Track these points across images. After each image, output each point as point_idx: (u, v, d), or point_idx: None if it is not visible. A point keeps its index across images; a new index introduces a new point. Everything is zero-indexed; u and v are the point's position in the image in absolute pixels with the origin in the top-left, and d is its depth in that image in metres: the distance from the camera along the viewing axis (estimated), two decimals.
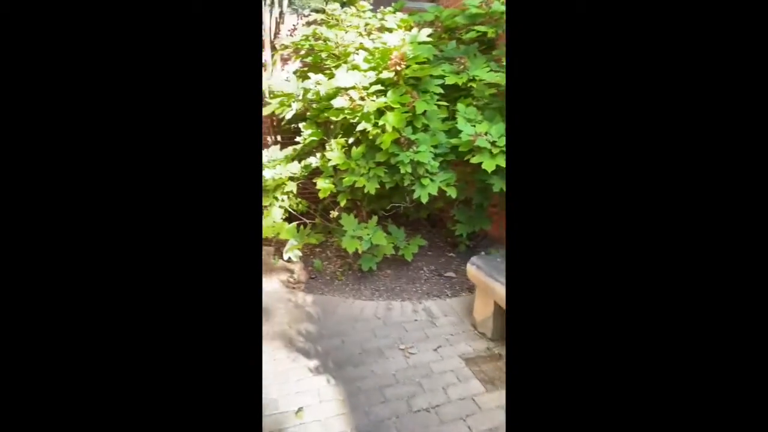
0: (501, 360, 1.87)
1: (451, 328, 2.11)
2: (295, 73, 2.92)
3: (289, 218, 2.78)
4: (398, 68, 2.18)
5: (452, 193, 2.30)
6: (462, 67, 2.43)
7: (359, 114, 2.26)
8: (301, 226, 2.76)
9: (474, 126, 2.21)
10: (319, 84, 2.45)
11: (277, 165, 2.66)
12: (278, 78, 2.73)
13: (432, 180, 2.30)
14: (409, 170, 2.25)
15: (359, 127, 2.27)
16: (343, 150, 2.49)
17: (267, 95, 2.98)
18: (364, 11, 2.74)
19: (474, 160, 2.15)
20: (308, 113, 2.72)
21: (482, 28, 2.59)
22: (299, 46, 2.78)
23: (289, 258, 2.74)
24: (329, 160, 2.45)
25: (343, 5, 2.76)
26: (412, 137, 2.27)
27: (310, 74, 2.54)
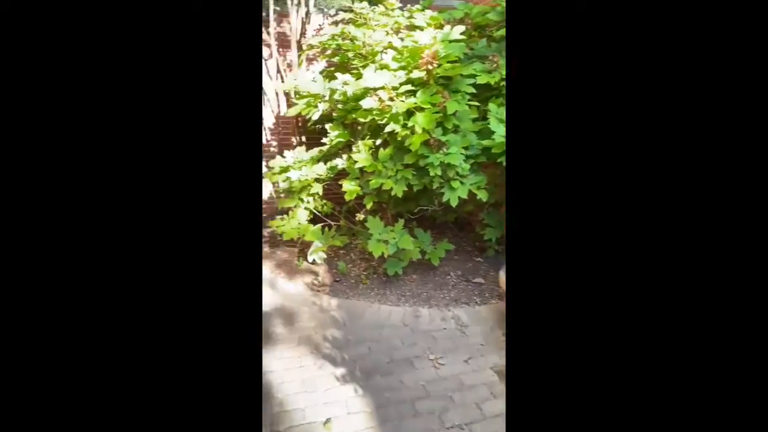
0: None
1: (481, 338, 2.02)
2: (321, 73, 2.89)
3: (314, 220, 2.75)
4: (429, 67, 2.11)
5: (483, 196, 2.21)
6: (494, 65, 2.33)
7: (388, 115, 2.20)
8: (326, 228, 2.72)
9: None
10: (346, 84, 2.41)
11: (303, 166, 2.63)
12: (304, 78, 2.70)
13: (462, 183, 2.22)
14: (439, 173, 2.17)
15: (387, 129, 2.21)
16: (371, 152, 2.43)
17: (293, 96, 2.96)
18: (392, 9, 2.68)
19: None
20: (334, 114, 2.68)
21: None
22: (326, 46, 2.74)
23: (314, 260, 2.71)
24: (356, 161, 2.40)
25: (371, 3, 2.70)
26: (443, 138, 2.19)
27: (337, 74, 2.50)
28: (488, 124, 2.17)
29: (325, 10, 3.36)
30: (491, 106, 2.24)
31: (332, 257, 2.85)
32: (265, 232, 3.26)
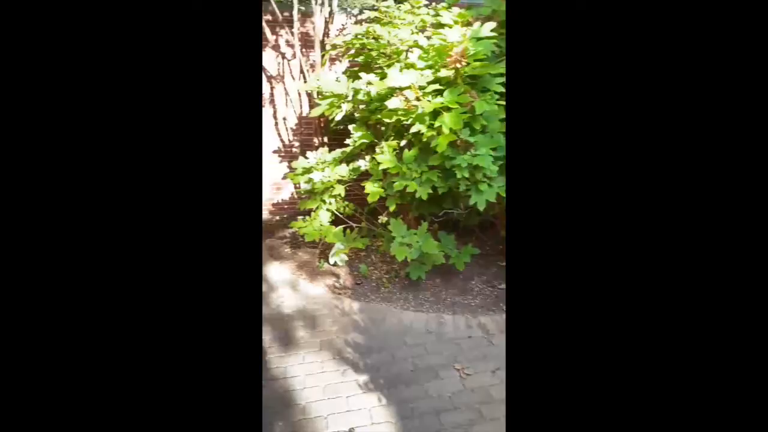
0: None
1: None
2: (344, 73, 2.86)
3: (335, 221, 2.72)
4: (458, 65, 2.04)
5: None
6: None
7: (413, 115, 2.14)
8: (347, 230, 2.69)
9: None
10: (370, 84, 2.36)
11: (325, 167, 2.60)
12: (327, 78, 2.67)
13: (490, 185, 2.14)
14: (466, 175, 2.10)
15: (413, 129, 2.15)
16: (394, 153, 2.38)
17: (315, 96, 2.94)
18: (418, 7, 2.62)
19: None
20: (356, 114, 2.64)
21: None
22: (350, 45, 2.71)
23: (335, 262, 2.68)
24: (379, 163, 2.36)
25: (396, 1, 2.65)
26: (470, 139, 2.11)
27: (361, 74, 2.46)
28: None
29: (349, 9, 3.33)
30: None
31: (353, 259, 2.81)
32: (287, 232, 3.26)
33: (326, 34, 3.11)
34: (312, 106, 3.15)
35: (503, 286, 2.50)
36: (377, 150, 2.47)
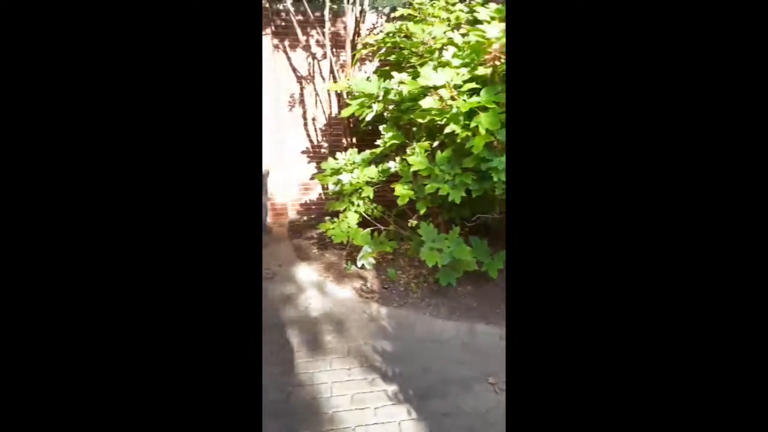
0: None
1: None
2: (375, 72, 2.81)
3: (363, 223, 2.67)
4: (497, 63, 1.94)
5: None
6: None
7: (447, 115, 2.06)
8: (375, 233, 2.63)
9: None
10: (402, 83, 2.29)
11: (354, 168, 2.56)
12: (357, 78, 2.63)
13: None
14: (503, 177, 1.99)
15: (447, 130, 2.07)
16: (426, 154, 2.30)
17: (345, 96, 2.90)
18: (453, 3, 2.53)
19: None
20: (387, 115, 2.58)
21: None
22: (381, 44, 2.65)
23: (363, 265, 2.63)
24: (410, 164, 2.29)
25: None
26: None
27: (393, 73, 2.40)
28: None
29: (380, 8, 3.28)
30: None
31: (380, 262, 2.75)
32: (315, 233, 3.25)
33: (357, 33, 3.07)
34: (342, 106, 3.12)
35: None
36: (408, 151, 2.40)
